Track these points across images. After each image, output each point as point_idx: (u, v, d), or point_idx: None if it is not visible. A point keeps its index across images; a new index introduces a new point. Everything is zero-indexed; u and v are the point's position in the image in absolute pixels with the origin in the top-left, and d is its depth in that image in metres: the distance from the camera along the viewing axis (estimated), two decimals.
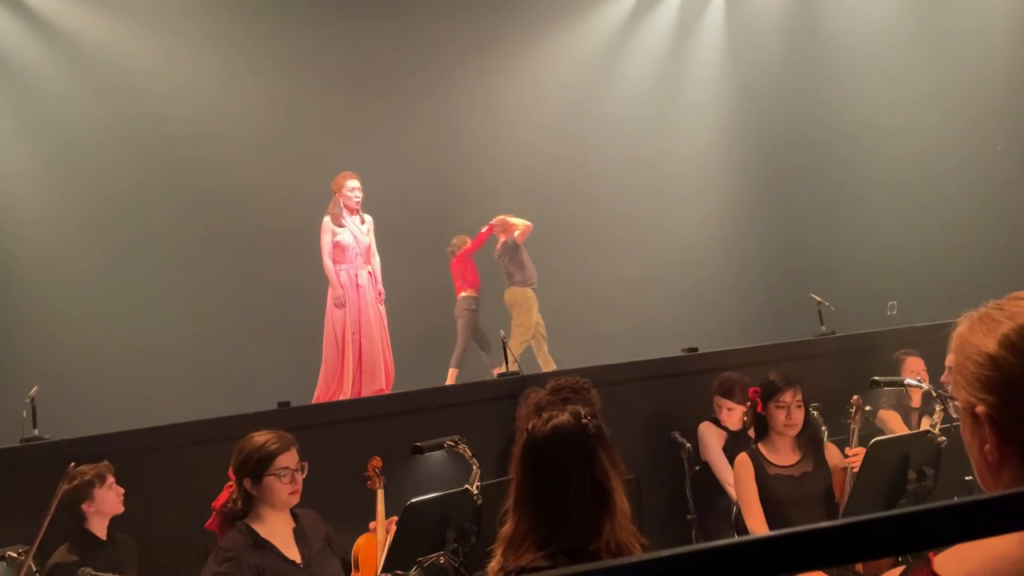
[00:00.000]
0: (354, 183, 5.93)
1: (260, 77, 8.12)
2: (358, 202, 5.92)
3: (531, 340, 7.24)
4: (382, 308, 6.07)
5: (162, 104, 7.74)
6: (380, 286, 6.07)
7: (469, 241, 7.53)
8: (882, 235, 8.15)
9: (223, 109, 7.95)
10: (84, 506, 3.72)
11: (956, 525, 0.60)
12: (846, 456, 3.82)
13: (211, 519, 2.97)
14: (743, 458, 3.82)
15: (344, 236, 5.89)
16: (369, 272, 6.00)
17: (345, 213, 5.91)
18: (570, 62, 8.30)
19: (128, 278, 7.48)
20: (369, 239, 6.01)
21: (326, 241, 5.88)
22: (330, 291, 5.96)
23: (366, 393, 5.88)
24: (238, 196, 7.82)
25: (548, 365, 6.98)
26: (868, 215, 8.32)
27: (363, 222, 6.02)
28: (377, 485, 3.80)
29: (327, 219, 5.93)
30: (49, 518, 3.17)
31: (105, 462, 3.83)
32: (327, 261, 5.90)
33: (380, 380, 5.99)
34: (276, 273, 7.57)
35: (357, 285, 5.93)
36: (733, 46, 9.67)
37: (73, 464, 3.30)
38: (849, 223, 8.46)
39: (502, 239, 7.43)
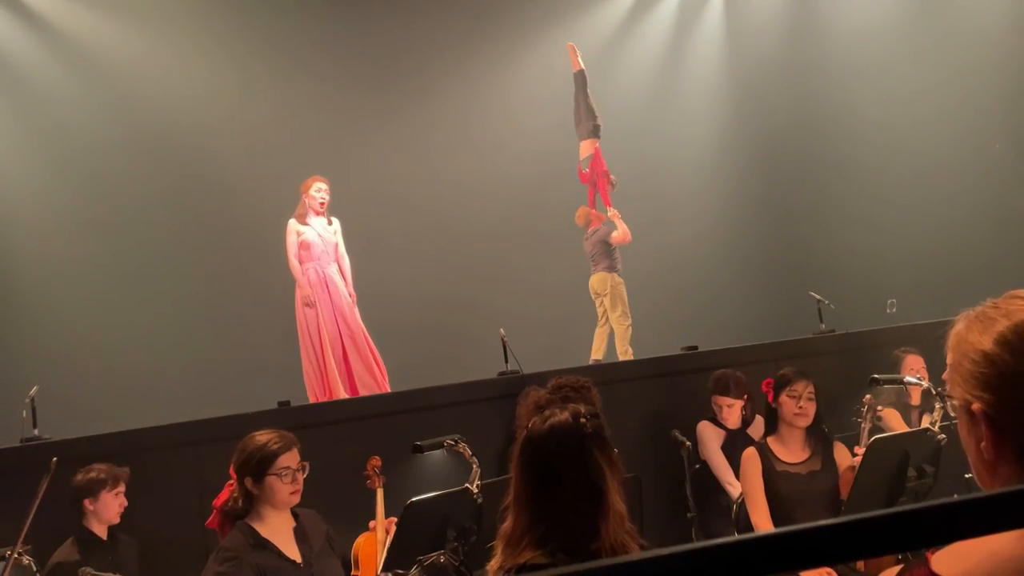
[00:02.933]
0: (320, 185, 5.97)
1: (255, 74, 8.10)
2: (322, 203, 5.94)
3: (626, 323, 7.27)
4: (356, 311, 6.05)
5: (160, 103, 7.72)
6: (351, 288, 6.06)
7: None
8: (881, 233, 8.15)
9: (220, 108, 7.93)
10: (87, 502, 3.73)
11: (954, 523, 0.60)
12: (855, 455, 3.83)
13: (212, 517, 2.97)
14: (751, 452, 3.84)
15: (309, 234, 5.90)
16: (338, 272, 5.99)
17: (310, 213, 5.95)
18: (567, 62, 8.28)
19: (128, 278, 7.47)
20: (336, 239, 6.02)
21: (291, 242, 5.91)
22: (297, 292, 5.94)
23: (361, 393, 5.86)
24: (237, 195, 7.81)
25: (626, 354, 7.05)
26: (867, 213, 8.32)
27: (330, 223, 6.03)
28: (377, 484, 3.81)
29: (291, 220, 5.96)
30: (33, 513, 3.17)
31: (125, 468, 3.84)
32: (293, 261, 5.91)
33: (372, 379, 5.97)
34: (276, 272, 7.55)
35: (326, 283, 5.92)
36: (732, 45, 9.67)
37: (56, 459, 3.30)
38: (848, 221, 8.47)
39: (594, 226, 7.42)
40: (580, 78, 7.91)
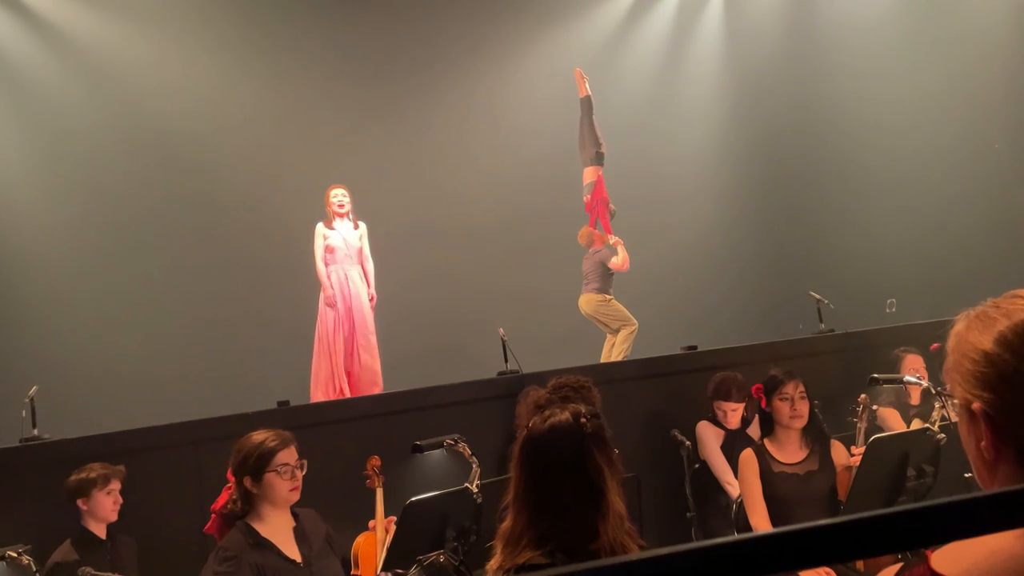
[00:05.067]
0: (338, 191, 6.27)
1: (258, 77, 8.11)
2: (341, 205, 6.22)
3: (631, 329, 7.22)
4: (371, 312, 6.29)
5: (161, 103, 7.73)
6: (372, 291, 6.31)
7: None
8: (881, 233, 8.15)
9: (221, 108, 7.93)
10: (80, 502, 3.74)
11: (954, 522, 0.60)
12: (852, 455, 3.82)
13: (210, 523, 2.96)
14: (748, 454, 3.83)
15: (334, 238, 6.19)
16: (360, 274, 6.25)
17: (336, 218, 6.23)
18: (567, 61, 8.29)
19: (127, 277, 7.47)
20: (360, 244, 6.29)
21: (318, 245, 6.21)
22: (321, 292, 6.21)
23: (363, 392, 6.00)
24: (237, 195, 7.81)
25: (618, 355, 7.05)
26: (867, 213, 8.32)
27: (356, 227, 6.30)
28: (376, 484, 3.81)
29: (319, 224, 6.26)
30: None
31: (120, 467, 3.84)
32: (319, 264, 6.19)
33: (374, 378, 6.17)
34: (276, 272, 7.58)
35: (345, 286, 6.16)
36: (732, 45, 9.67)
37: None
38: (848, 221, 8.47)
39: (595, 247, 7.40)
40: (587, 104, 7.86)
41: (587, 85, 7.95)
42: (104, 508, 3.75)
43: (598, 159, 7.73)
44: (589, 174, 7.74)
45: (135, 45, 7.73)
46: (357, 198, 6.45)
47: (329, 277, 6.14)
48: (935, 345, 4.24)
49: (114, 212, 7.54)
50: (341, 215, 6.22)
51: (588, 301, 7.28)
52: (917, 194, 7.87)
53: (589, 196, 7.69)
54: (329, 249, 6.16)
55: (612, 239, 7.42)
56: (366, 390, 6.04)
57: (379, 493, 3.78)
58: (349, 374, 6.10)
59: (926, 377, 4.34)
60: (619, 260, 7.21)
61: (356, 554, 3.71)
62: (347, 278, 6.16)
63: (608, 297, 7.23)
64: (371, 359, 6.19)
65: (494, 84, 9.05)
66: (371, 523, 3.75)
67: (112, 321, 7.32)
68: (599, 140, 7.75)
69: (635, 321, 7.18)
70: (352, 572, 3.67)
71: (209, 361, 7.34)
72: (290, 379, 6.50)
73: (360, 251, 6.26)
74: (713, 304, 8.78)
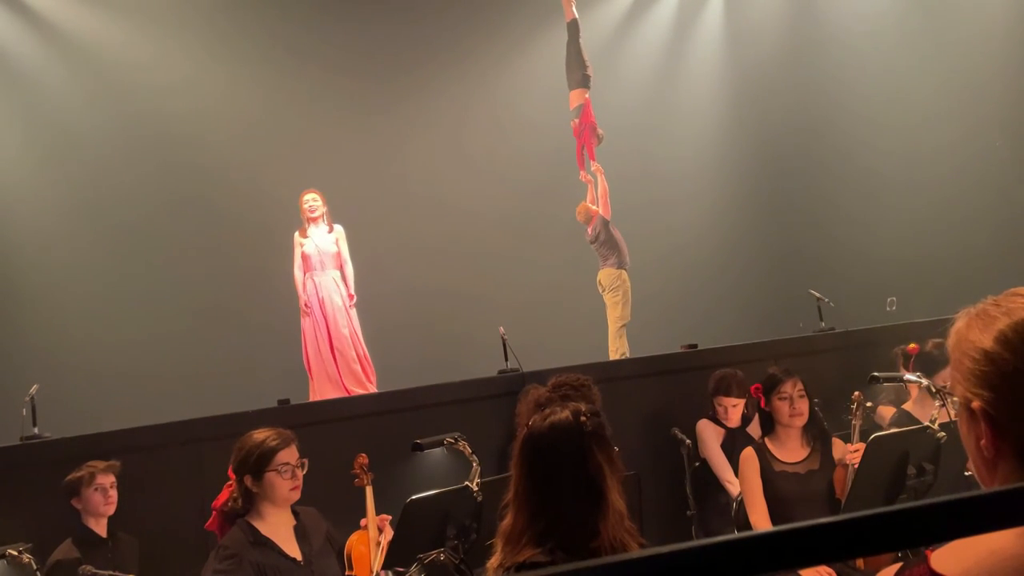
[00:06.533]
0: (309, 196, 6.33)
1: (258, 77, 8.10)
2: (312, 210, 6.28)
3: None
4: (353, 312, 6.36)
5: (162, 102, 7.73)
6: (351, 290, 6.37)
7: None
8: (881, 231, 8.15)
9: (222, 107, 7.94)
10: (74, 502, 3.76)
11: (954, 521, 0.60)
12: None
13: (211, 519, 2.97)
14: (749, 453, 3.83)
15: (307, 246, 6.29)
16: (335, 279, 6.31)
17: (309, 224, 6.29)
18: (564, 63, 8.28)
19: (127, 276, 7.48)
20: (337, 247, 6.32)
21: (296, 254, 6.33)
22: (299, 300, 6.35)
23: (352, 392, 6.07)
24: (237, 194, 7.81)
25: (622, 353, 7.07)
26: (867, 211, 8.32)
27: (331, 231, 6.34)
28: (365, 482, 3.78)
29: (296, 234, 6.35)
30: None
31: (109, 462, 3.83)
32: (295, 273, 6.33)
33: (361, 378, 6.22)
34: (277, 270, 7.56)
35: (318, 292, 6.26)
36: (732, 45, 9.66)
37: None
38: (848, 219, 8.47)
39: (593, 223, 7.43)
40: (573, 27, 7.94)
41: (574, 8, 7.96)
42: (95, 504, 3.75)
43: (585, 81, 7.77)
44: (576, 97, 7.79)
45: (139, 46, 7.73)
46: (357, 196, 6.46)
47: (304, 285, 6.24)
48: (913, 346, 4.24)
49: (115, 211, 7.54)
50: (314, 220, 6.26)
51: (608, 275, 7.34)
52: (917, 192, 7.88)
53: (577, 120, 7.71)
54: (304, 257, 6.26)
55: (593, 166, 7.45)
56: (353, 391, 6.09)
57: (369, 491, 3.75)
58: (339, 377, 6.18)
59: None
60: (600, 190, 7.26)
61: (349, 554, 3.69)
62: (320, 285, 6.23)
63: (626, 277, 7.26)
64: (353, 361, 6.24)
65: (493, 82, 9.04)
66: (363, 521, 3.74)
67: (113, 319, 7.32)
68: (586, 63, 7.81)
69: (628, 315, 7.26)
70: (347, 573, 3.65)
71: (210, 359, 7.34)
72: (291, 377, 6.51)
73: (337, 255, 6.29)
74: (713, 303, 8.77)
